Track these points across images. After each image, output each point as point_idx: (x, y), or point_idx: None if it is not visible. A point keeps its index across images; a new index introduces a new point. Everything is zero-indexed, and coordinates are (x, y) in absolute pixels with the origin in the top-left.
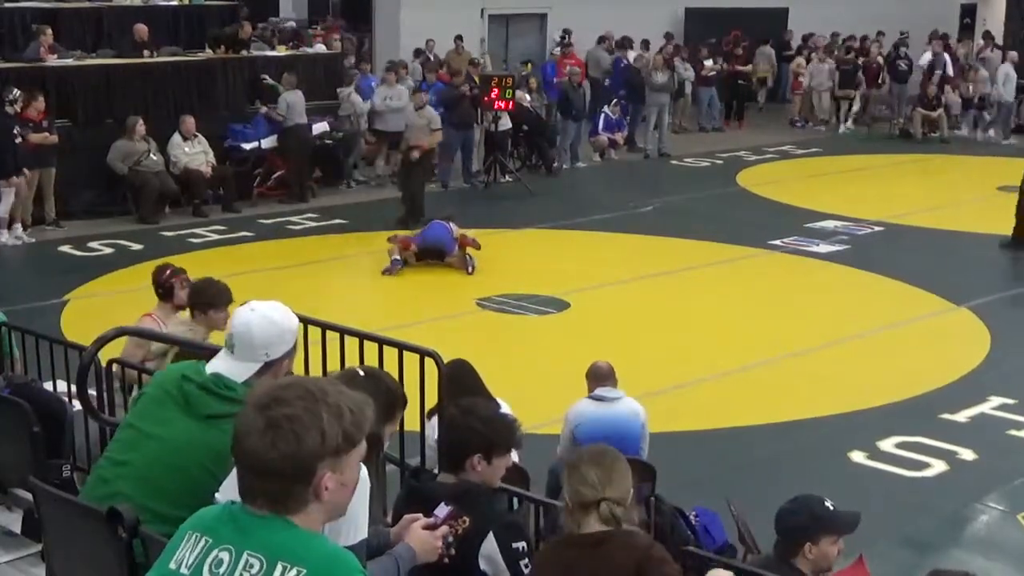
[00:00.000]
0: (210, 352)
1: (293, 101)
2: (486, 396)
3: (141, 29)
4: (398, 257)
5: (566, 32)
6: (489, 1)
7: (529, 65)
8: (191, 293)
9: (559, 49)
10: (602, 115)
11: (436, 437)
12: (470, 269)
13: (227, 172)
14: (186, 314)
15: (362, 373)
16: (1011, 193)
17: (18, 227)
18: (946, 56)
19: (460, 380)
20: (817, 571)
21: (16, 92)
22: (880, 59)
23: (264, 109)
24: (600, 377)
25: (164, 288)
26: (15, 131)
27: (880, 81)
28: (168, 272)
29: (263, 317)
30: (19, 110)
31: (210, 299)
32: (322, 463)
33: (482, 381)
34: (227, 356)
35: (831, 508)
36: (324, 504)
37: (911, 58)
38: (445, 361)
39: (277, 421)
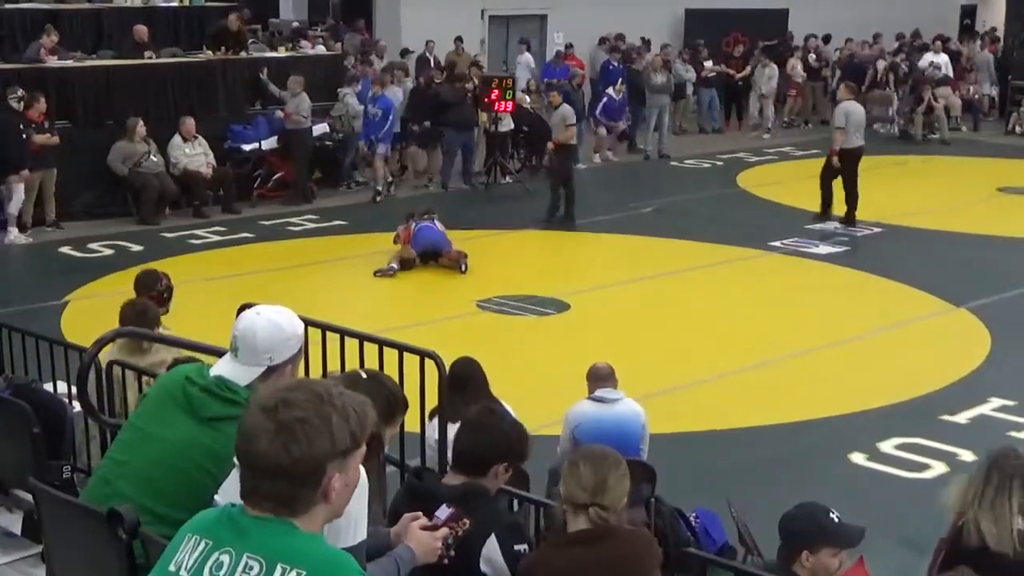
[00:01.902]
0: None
1: (308, 103)
2: (490, 396)
3: (141, 30)
4: (395, 265)
5: (605, 37)
6: (489, 1)
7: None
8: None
9: (563, 49)
10: (604, 97)
11: (436, 438)
12: (463, 268)
13: (227, 173)
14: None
15: (364, 375)
16: (1012, 195)
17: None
18: (945, 57)
19: (468, 378)
20: None
21: (20, 90)
22: (883, 61)
23: (280, 113)
24: (600, 378)
25: (169, 293)
26: (20, 128)
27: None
28: (166, 279)
29: (268, 321)
30: (23, 107)
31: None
32: (331, 464)
33: (487, 381)
34: (231, 359)
35: (835, 519)
36: (330, 505)
37: (912, 60)
38: (449, 361)
39: (288, 424)
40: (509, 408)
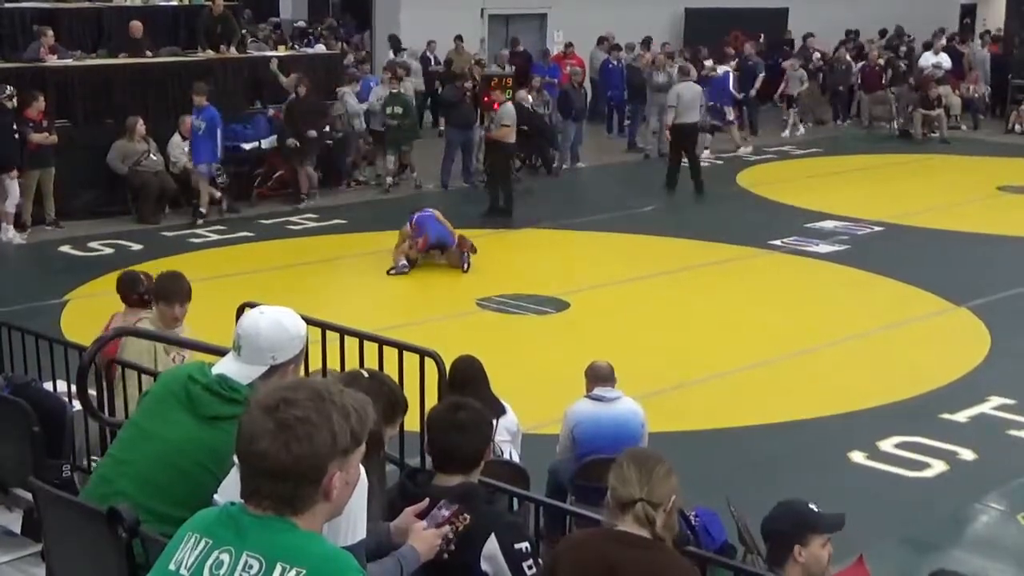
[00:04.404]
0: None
1: None
2: (490, 395)
3: (136, 26)
4: (405, 261)
5: (604, 37)
6: (489, 1)
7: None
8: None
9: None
10: (729, 75)
11: None
12: (466, 267)
13: (227, 172)
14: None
15: (365, 375)
16: (1011, 194)
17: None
18: (946, 56)
19: (468, 377)
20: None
21: (9, 88)
22: (881, 61)
23: (272, 111)
24: (600, 377)
25: (149, 295)
26: (13, 127)
27: (884, 82)
28: (145, 278)
29: (272, 320)
30: (16, 105)
31: (158, 292)
32: (332, 463)
33: (488, 380)
34: (233, 358)
35: (815, 510)
36: (331, 504)
37: (912, 59)
38: (449, 360)
39: (289, 423)
40: (508, 406)
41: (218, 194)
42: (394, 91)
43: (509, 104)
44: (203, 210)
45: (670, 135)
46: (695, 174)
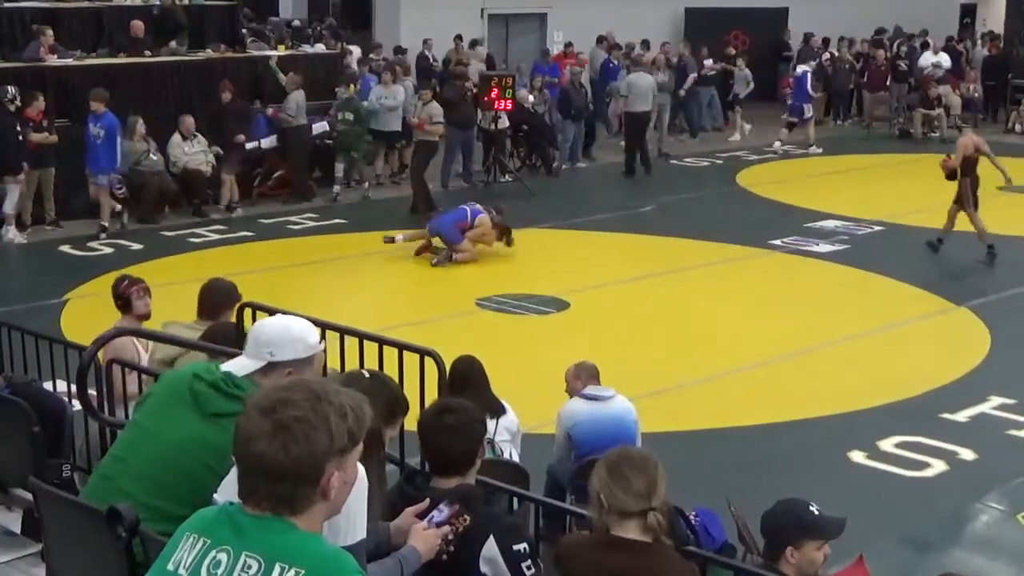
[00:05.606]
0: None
1: (300, 101)
2: (490, 395)
3: (137, 26)
4: (399, 237)
5: (604, 36)
6: (489, 1)
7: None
8: (202, 292)
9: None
10: (807, 74)
11: None
12: (443, 256)
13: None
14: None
15: (366, 375)
16: (1012, 194)
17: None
18: (946, 56)
19: (468, 377)
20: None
21: (12, 90)
22: (884, 61)
23: (271, 110)
24: (592, 375)
25: (122, 299)
26: (17, 129)
27: (887, 83)
28: (125, 283)
29: (280, 322)
30: (19, 106)
31: (220, 300)
32: (330, 463)
33: (488, 379)
34: (241, 355)
35: (816, 512)
36: (329, 503)
37: (912, 59)
38: (449, 360)
39: (286, 424)
40: (508, 406)
41: (119, 207)
42: (347, 96)
43: (435, 103)
44: (105, 223)
45: (623, 123)
46: (644, 159)
